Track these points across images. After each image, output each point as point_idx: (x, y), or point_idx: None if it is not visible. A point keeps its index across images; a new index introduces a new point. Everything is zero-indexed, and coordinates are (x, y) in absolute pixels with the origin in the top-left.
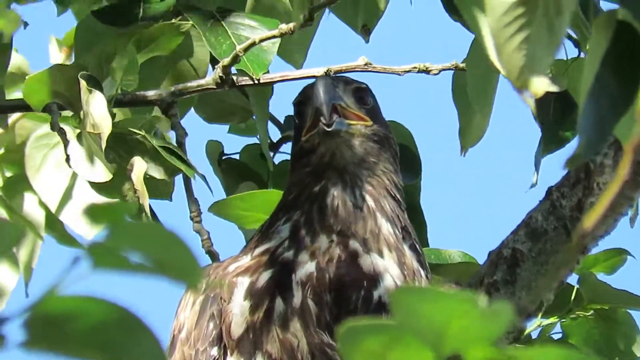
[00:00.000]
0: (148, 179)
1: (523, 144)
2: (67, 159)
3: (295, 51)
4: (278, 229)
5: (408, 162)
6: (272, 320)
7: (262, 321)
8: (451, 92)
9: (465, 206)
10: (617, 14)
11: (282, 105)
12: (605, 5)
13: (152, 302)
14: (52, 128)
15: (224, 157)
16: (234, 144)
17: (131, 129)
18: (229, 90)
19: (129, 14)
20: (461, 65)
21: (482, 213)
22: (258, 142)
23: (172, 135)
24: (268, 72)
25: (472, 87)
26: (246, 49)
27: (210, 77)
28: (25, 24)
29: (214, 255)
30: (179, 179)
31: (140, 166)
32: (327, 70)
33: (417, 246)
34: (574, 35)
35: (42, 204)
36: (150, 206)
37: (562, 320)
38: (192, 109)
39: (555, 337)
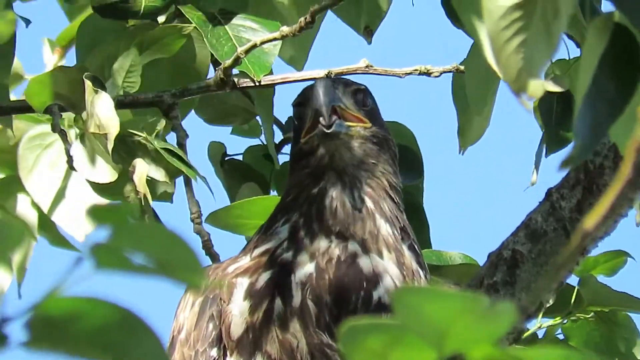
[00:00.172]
0: (149, 181)
1: (524, 146)
2: (70, 160)
3: (296, 53)
4: (277, 230)
5: (410, 162)
6: (272, 320)
7: (261, 322)
8: (451, 93)
9: (465, 207)
10: (614, 17)
11: (283, 107)
12: (605, 6)
13: (154, 303)
14: (53, 129)
15: (226, 158)
16: (235, 146)
17: (132, 131)
18: (230, 91)
19: (129, 9)
20: (462, 68)
21: (482, 214)
22: (261, 143)
23: (172, 137)
24: (272, 73)
25: (470, 90)
26: (247, 51)
27: (212, 78)
28: (27, 22)
29: (214, 257)
30: (179, 181)
31: (142, 168)
32: (328, 73)
33: (416, 247)
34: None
35: (35, 205)
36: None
37: (563, 322)
38: (193, 110)
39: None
